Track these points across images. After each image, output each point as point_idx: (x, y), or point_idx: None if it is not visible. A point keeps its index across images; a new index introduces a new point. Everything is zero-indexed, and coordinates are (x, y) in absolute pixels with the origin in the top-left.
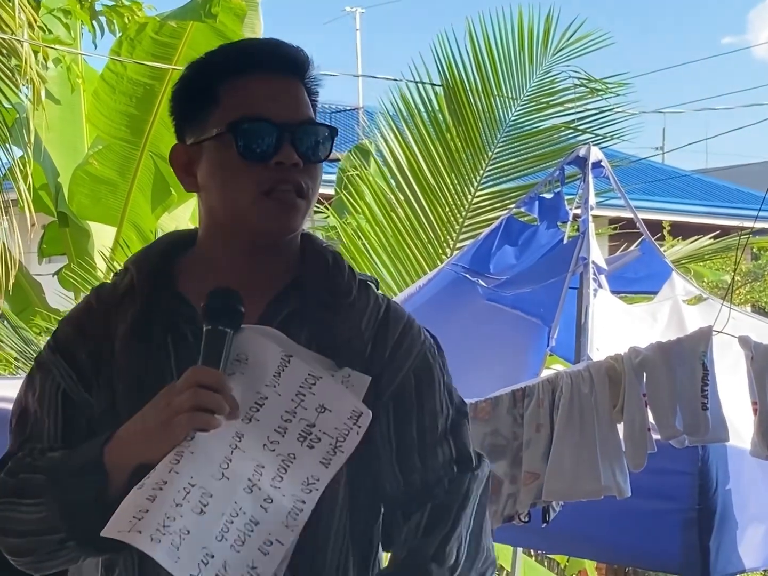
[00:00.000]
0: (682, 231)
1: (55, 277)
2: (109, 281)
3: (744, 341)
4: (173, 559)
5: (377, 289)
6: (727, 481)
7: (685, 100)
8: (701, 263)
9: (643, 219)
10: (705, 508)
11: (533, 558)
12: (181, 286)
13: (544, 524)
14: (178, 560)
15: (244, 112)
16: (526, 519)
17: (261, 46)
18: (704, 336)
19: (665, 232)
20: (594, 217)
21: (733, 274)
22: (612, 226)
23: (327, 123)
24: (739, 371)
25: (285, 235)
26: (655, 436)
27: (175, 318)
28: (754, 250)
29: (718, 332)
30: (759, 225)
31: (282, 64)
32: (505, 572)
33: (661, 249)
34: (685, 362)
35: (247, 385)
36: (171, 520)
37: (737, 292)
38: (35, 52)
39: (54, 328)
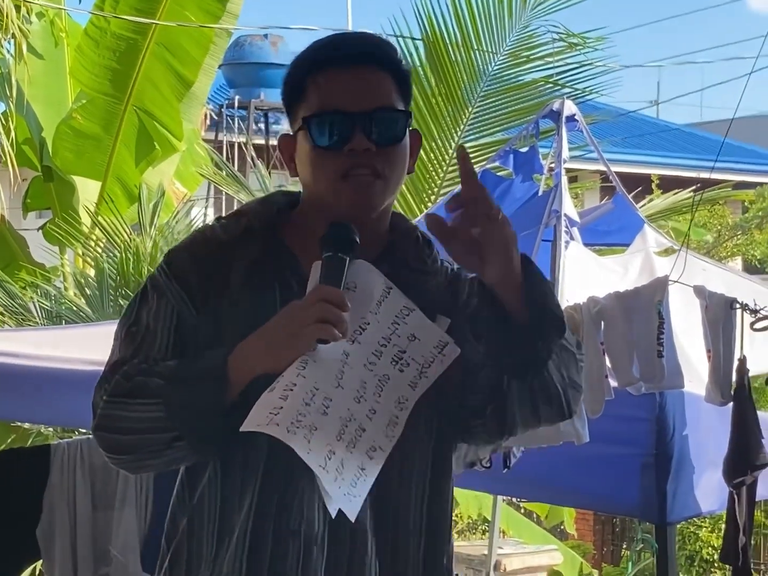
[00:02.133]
0: (671, 185)
1: (40, 231)
2: (212, 224)
3: (699, 290)
4: (306, 450)
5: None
6: (684, 427)
7: (679, 53)
8: (680, 219)
9: (631, 173)
10: (662, 453)
11: (515, 510)
12: (287, 240)
13: (506, 470)
14: (310, 452)
15: (319, 105)
16: (488, 465)
17: (343, 40)
18: (660, 285)
19: (654, 186)
20: (583, 170)
21: (690, 224)
22: (602, 177)
23: (400, 108)
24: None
25: (365, 212)
26: (613, 383)
27: (284, 267)
28: (745, 203)
29: (674, 282)
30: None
31: (359, 56)
32: (485, 521)
33: (644, 202)
34: (641, 311)
35: (354, 309)
36: (302, 416)
37: (724, 245)
38: (17, 6)
39: (39, 283)
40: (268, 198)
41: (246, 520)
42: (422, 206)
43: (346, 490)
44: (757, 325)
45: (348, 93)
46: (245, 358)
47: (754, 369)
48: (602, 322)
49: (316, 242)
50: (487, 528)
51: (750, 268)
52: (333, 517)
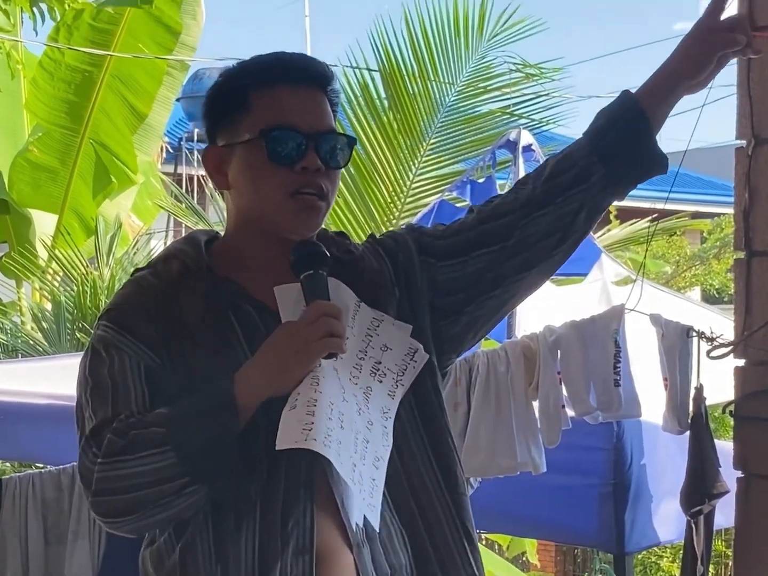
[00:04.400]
0: (629, 215)
1: None
2: (139, 274)
3: (655, 318)
4: (339, 464)
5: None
6: (641, 456)
7: (636, 85)
8: (638, 250)
9: None
10: (620, 483)
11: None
12: (222, 272)
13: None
14: (342, 465)
15: (274, 120)
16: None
17: (291, 59)
18: (616, 314)
19: (612, 217)
20: None
21: (645, 252)
22: None
23: (347, 133)
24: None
25: (307, 232)
26: (570, 413)
27: (233, 297)
28: (703, 233)
29: (630, 310)
30: (697, 208)
31: (309, 77)
32: None
33: (602, 232)
34: (597, 340)
35: None
36: (330, 431)
37: (683, 275)
38: None
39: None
40: (191, 238)
41: (249, 548)
42: None
43: (368, 501)
44: (714, 353)
45: (301, 112)
46: (250, 384)
47: (711, 398)
48: (559, 351)
49: (252, 267)
50: None
51: (709, 298)
52: (361, 525)
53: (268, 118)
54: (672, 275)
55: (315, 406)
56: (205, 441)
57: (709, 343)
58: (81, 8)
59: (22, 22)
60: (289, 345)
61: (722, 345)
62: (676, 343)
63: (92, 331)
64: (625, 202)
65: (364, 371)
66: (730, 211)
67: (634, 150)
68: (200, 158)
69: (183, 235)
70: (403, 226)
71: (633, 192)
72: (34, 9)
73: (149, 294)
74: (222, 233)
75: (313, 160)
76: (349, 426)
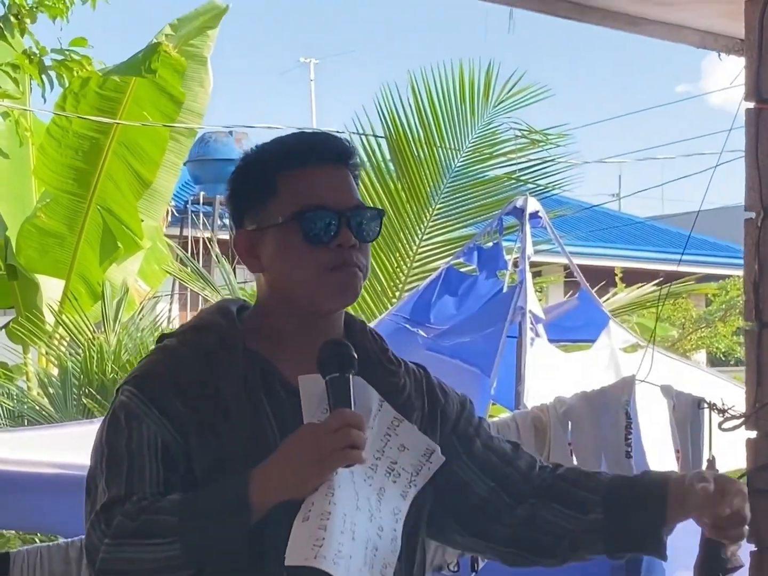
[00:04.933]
0: (634, 278)
1: (2, 330)
2: (168, 341)
3: (666, 390)
4: None
5: None
6: None
7: (640, 148)
8: (645, 314)
9: (595, 266)
10: (632, 557)
11: None
12: (254, 347)
13: (473, 574)
14: None
15: (306, 201)
16: (455, 569)
17: (314, 139)
18: (627, 385)
19: (617, 279)
20: (550, 264)
21: (656, 320)
22: (566, 272)
23: (376, 206)
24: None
25: (346, 306)
26: None
27: (266, 376)
28: (708, 296)
29: (641, 381)
30: (702, 270)
31: (333, 155)
32: None
33: (609, 296)
34: (608, 411)
35: None
36: (341, 546)
37: (689, 338)
38: None
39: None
40: (224, 309)
41: None
42: (388, 304)
43: None
44: (726, 425)
45: (330, 190)
46: (267, 487)
47: (723, 470)
48: (569, 423)
49: (284, 346)
50: None
51: (715, 361)
52: None
53: (298, 199)
54: (678, 338)
55: (328, 519)
56: (214, 537)
57: (721, 415)
58: (88, 77)
59: (31, 89)
60: (309, 452)
61: (734, 417)
62: (688, 414)
63: (115, 395)
64: (630, 263)
65: (380, 471)
66: (735, 273)
67: (641, 538)
68: (232, 243)
69: (188, 298)
70: (461, 396)
71: (637, 254)
72: (43, 76)
73: (181, 365)
74: (244, 299)
75: (347, 236)
76: (360, 536)
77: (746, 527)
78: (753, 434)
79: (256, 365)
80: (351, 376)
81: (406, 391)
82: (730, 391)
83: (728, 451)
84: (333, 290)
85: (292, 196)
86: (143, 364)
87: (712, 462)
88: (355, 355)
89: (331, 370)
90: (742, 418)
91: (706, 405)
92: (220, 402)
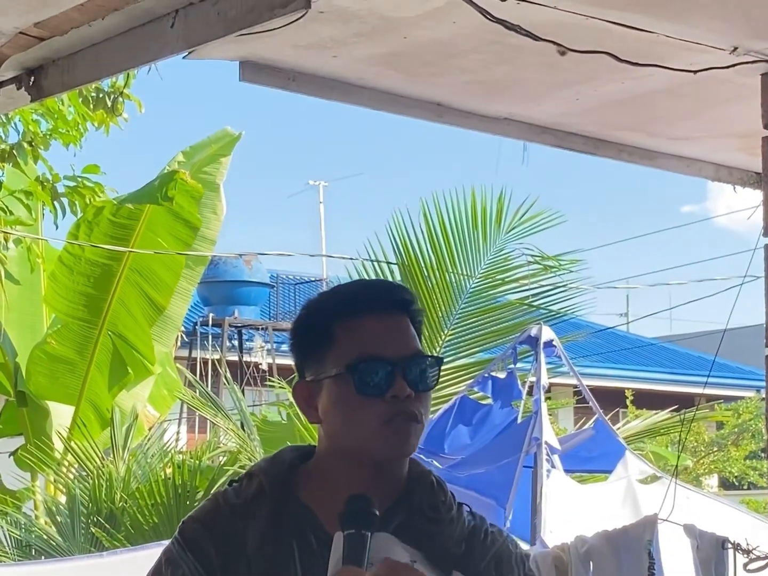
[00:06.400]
0: (645, 399)
1: (11, 457)
2: (226, 487)
3: (689, 530)
4: None
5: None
6: None
7: (648, 269)
8: (657, 440)
9: (606, 387)
10: None
11: None
12: (302, 495)
13: None
14: None
15: (360, 352)
16: None
17: (372, 287)
18: (649, 524)
19: (628, 402)
20: (559, 386)
21: (678, 452)
22: (577, 398)
23: (433, 354)
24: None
25: (403, 458)
26: None
27: (302, 525)
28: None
29: (664, 520)
30: (714, 392)
31: (392, 304)
32: None
33: (622, 420)
34: (631, 551)
35: None
36: None
37: (701, 462)
38: None
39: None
40: (278, 456)
41: None
42: None
43: None
44: (751, 566)
45: (387, 340)
46: None
47: None
48: (591, 563)
49: (335, 495)
50: None
51: (727, 485)
52: None
53: (353, 350)
54: (692, 465)
55: None
56: None
57: (746, 556)
58: (101, 205)
59: (43, 215)
60: None
61: (759, 558)
62: (712, 555)
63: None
64: (640, 385)
65: None
66: (745, 394)
67: None
68: (293, 394)
69: (196, 421)
70: (525, 558)
71: (647, 375)
72: (55, 203)
73: (221, 514)
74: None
75: (401, 387)
76: None
77: None
78: None
79: (294, 514)
80: (369, 534)
81: (442, 538)
82: (753, 526)
83: None
84: (388, 443)
85: (348, 347)
86: (196, 510)
87: None
88: (377, 512)
89: (349, 526)
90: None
91: (730, 545)
92: (246, 549)
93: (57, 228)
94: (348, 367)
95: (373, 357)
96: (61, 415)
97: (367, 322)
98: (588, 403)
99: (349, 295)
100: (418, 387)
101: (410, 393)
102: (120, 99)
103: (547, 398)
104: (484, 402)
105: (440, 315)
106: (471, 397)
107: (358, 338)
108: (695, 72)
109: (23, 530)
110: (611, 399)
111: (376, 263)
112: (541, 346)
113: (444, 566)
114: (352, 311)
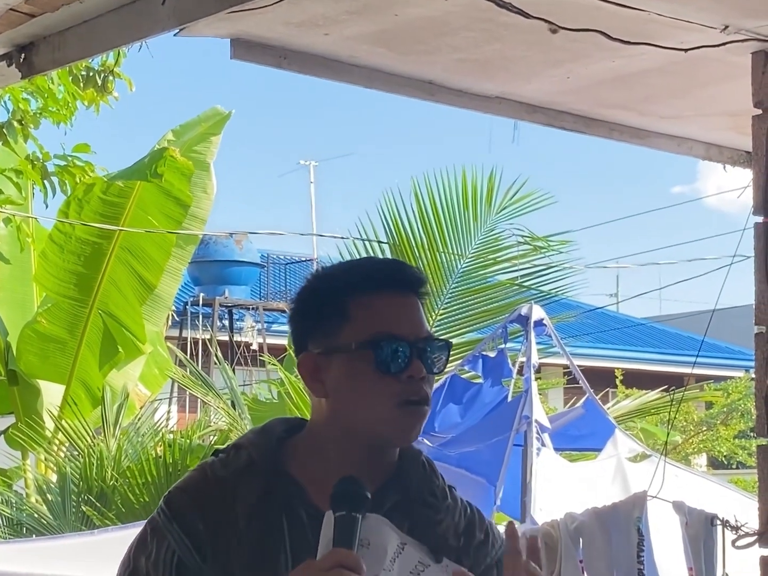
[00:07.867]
0: (634, 379)
1: (2, 436)
2: (210, 459)
3: (678, 506)
4: None
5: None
6: None
7: (638, 250)
8: (647, 419)
9: (596, 367)
10: None
11: None
12: (292, 469)
13: None
14: None
15: (380, 329)
16: None
17: (388, 267)
18: (639, 501)
19: (618, 381)
20: (549, 365)
21: (668, 431)
22: (567, 377)
23: (445, 339)
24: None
25: (406, 444)
26: None
27: (291, 500)
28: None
29: (653, 497)
30: (703, 372)
31: (406, 284)
32: None
33: (612, 400)
34: (620, 528)
35: (368, 567)
36: None
37: (690, 441)
38: None
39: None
40: (267, 428)
41: None
42: None
43: None
44: (739, 543)
45: (403, 320)
46: None
47: None
48: (581, 539)
49: (327, 470)
50: None
51: (716, 464)
52: None
53: (372, 327)
54: (681, 442)
55: None
56: None
57: (734, 532)
58: (92, 183)
59: (33, 194)
60: None
61: (747, 534)
62: (701, 532)
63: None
64: (630, 365)
65: None
66: (734, 374)
67: None
68: (297, 366)
69: (187, 400)
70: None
71: (637, 355)
72: (45, 182)
73: (209, 485)
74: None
75: (418, 368)
76: None
77: None
78: (767, 552)
79: (283, 488)
80: (360, 516)
81: (442, 527)
82: (742, 504)
83: (742, 569)
84: (399, 427)
85: (365, 323)
86: (182, 480)
87: None
88: (368, 495)
89: (340, 508)
90: (756, 536)
91: (719, 522)
92: (236, 522)
93: (47, 207)
94: (366, 344)
95: (393, 335)
96: (51, 393)
97: (384, 300)
98: (578, 383)
99: (365, 272)
100: (432, 369)
101: (425, 375)
102: (110, 77)
103: (537, 378)
104: (474, 381)
105: (431, 294)
106: (462, 376)
107: (377, 316)
108: (686, 50)
109: (14, 509)
110: (601, 379)
111: (367, 242)
112: (532, 325)
113: (436, 553)
114: (368, 287)
